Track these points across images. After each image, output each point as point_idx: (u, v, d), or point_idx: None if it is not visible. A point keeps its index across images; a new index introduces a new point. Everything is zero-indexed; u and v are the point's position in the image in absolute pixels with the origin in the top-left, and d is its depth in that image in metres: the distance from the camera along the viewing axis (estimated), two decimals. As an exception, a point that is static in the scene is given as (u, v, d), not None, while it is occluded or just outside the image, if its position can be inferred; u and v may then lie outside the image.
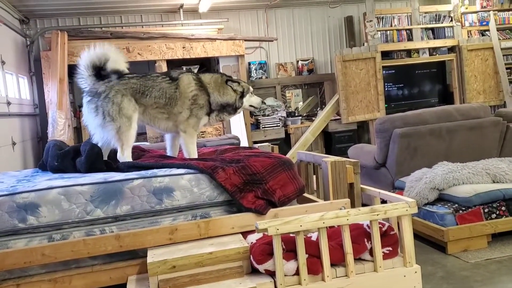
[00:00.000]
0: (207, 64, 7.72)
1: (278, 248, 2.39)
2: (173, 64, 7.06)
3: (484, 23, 8.12)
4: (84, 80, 2.99)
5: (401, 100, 7.88)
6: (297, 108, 8.14)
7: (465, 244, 3.58)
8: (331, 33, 8.45)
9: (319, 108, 8.01)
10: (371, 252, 2.51)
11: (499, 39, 7.89)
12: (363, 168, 5.27)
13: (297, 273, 2.43)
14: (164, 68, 6.73)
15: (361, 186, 3.07)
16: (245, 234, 2.78)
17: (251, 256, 2.51)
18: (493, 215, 3.67)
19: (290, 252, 2.46)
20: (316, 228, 2.44)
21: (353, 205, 2.98)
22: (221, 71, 7.21)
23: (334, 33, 8.46)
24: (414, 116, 4.71)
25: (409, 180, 4.12)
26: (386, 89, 7.66)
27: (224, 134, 6.86)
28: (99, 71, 2.97)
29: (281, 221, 2.40)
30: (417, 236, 3.93)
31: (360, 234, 2.53)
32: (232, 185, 2.76)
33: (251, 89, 3.41)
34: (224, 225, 2.77)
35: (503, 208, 3.71)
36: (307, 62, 8.22)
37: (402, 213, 2.49)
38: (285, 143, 7.53)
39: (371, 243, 2.50)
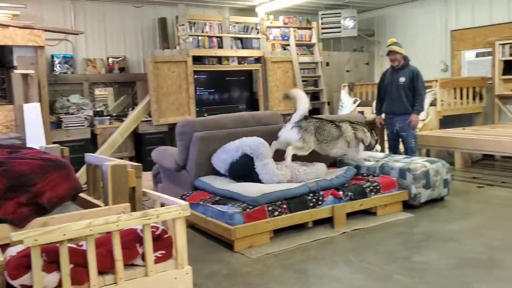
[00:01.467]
0: (-2, 53, 6.74)
1: (36, 260, 2.15)
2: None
3: (286, 38, 8.95)
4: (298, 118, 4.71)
5: (212, 104, 8.14)
6: (106, 106, 7.74)
7: (250, 241, 3.82)
8: (144, 32, 8.24)
9: (130, 108, 7.74)
10: (144, 257, 2.46)
11: (298, 54, 8.81)
12: (166, 170, 5.27)
13: (60, 285, 2.23)
14: None
15: (143, 190, 3.01)
16: (5, 247, 2.45)
17: (5, 271, 2.21)
18: (276, 213, 4.02)
19: (53, 263, 2.24)
20: (84, 237, 2.28)
21: (134, 210, 2.90)
22: (15, 62, 6.41)
23: (148, 33, 8.27)
24: (214, 121, 4.93)
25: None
26: (198, 93, 7.82)
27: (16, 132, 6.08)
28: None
29: (42, 230, 2.17)
30: (211, 236, 4.07)
31: (133, 239, 2.45)
32: (-11, 192, 2.41)
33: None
34: (-22, 238, 2.40)
35: (284, 206, 4.08)
36: (118, 59, 7.86)
37: (175, 216, 2.50)
38: (92, 144, 7.07)
39: (143, 248, 2.45)
